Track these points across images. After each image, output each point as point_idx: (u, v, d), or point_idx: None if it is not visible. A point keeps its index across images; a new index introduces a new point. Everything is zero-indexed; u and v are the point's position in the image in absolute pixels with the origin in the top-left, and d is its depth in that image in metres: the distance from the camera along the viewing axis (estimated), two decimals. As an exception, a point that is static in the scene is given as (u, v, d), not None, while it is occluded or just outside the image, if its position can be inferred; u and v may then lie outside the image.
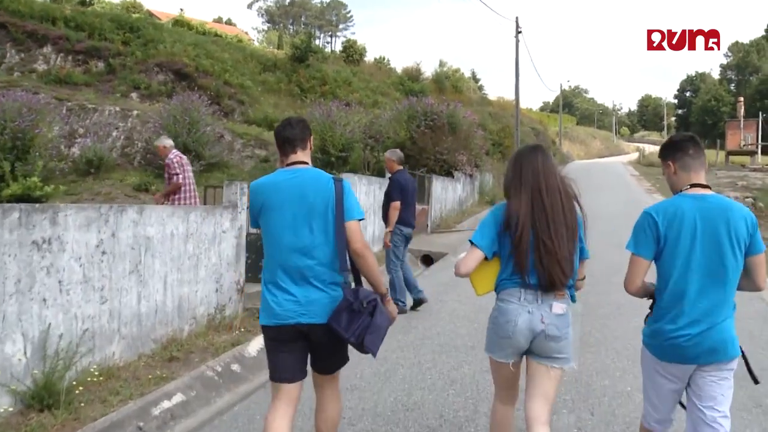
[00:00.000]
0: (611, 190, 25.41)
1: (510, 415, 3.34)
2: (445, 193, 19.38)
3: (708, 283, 2.98)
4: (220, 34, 34.29)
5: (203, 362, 5.38)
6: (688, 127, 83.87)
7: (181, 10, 42.97)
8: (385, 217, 7.99)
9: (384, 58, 41.47)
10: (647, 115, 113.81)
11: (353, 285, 3.34)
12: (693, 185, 3.08)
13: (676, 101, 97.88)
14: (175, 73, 24.04)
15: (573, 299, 3.24)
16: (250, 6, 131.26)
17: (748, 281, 3.09)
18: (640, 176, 37.26)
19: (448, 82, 38.47)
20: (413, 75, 36.10)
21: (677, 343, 3.01)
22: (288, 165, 3.35)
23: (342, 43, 45.89)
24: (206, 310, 6.35)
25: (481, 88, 57.58)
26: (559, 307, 3.13)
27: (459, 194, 21.32)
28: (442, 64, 42.05)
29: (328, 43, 59.94)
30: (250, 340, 6.01)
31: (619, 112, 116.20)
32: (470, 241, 3.22)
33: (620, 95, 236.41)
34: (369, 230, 11.70)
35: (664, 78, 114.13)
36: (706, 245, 2.97)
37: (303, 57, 29.23)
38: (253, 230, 7.71)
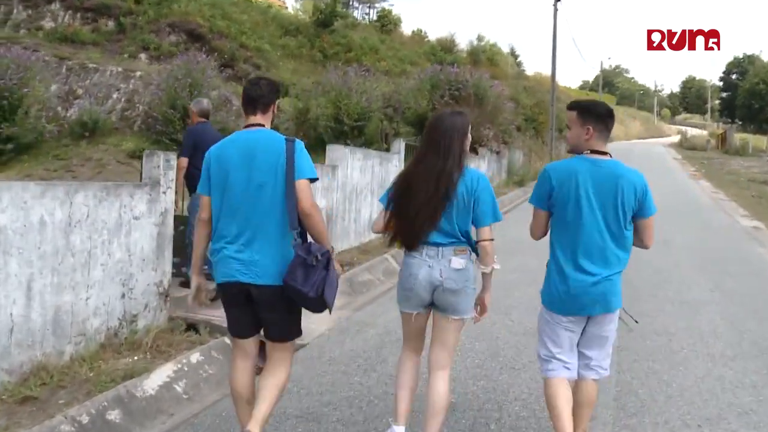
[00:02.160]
0: (653, 174, 23.14)
1: (414, 363, 3.48)
2: (468, 172, 17.51)
3: (595, 241, 3.20)
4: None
5: (68, 406, 3.77)
6: (733, 111, 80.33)
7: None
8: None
9: (421, 31, 39.31)
10: (690, 98, 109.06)
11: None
12: (594, 151, 3.28)
13: (721, 84, 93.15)
14: (188, 33, 22.46)
15: (476, 252, 3.36)
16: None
17: (638, 240, 3.34)
18: (683, 160, 35.16)
19: (484, 56, 36.16)
20: (447, 46, 33.97)
21: (561, 290, 3.28)
22: (246, 126, 3.35)
23: (377, 12, 43.92)
24: (104, 324, 4.69)
25: (519, 64, 55.01)
26: (457, 262, 3.29)
27: (484, 173, 19.35)
28: (480, 38, 39.59)
29: (366, 14, 57.82)
30: (155, 368, 4.33)
31: (660, 93, 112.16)
32: (380, 200, 3.52)
33: (662, 76, 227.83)
34: (364, 213, 9.95)
35: (709, 59, 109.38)
36: (594, 206, 3.19)
37: (328, 21, 27.37)
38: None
